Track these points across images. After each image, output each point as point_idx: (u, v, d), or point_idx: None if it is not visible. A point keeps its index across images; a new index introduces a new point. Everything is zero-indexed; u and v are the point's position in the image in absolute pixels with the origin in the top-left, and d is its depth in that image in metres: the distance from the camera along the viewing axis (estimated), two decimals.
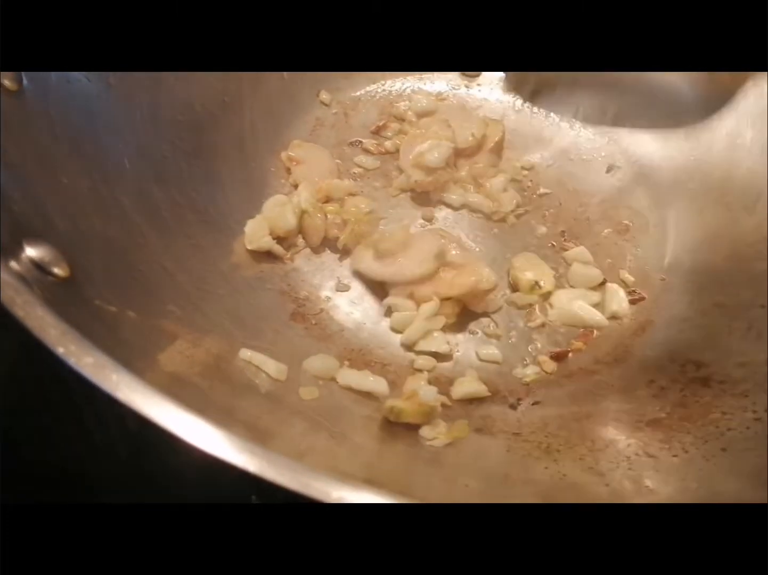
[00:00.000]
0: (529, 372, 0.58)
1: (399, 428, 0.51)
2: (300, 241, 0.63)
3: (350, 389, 0.53)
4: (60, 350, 0.34)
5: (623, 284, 0.63)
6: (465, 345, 0.59)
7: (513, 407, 0.55)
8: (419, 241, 0.60)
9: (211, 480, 0.50)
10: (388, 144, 0.70)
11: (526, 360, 0.59)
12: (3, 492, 0.49)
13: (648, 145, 0.70)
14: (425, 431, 0.50)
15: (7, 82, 0.47)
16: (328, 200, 0.64)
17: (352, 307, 0.60)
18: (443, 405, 0.53)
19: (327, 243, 0.63)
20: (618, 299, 0.61)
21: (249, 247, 0.60)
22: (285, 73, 0.70)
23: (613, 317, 0.61)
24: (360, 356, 0.57)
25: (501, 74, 0.76)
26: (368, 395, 0.53)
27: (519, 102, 0.75)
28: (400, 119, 0.72)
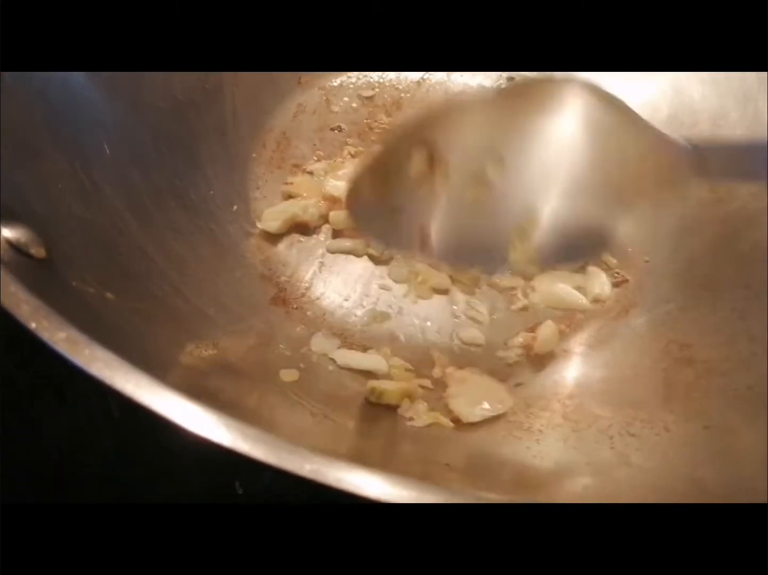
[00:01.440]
0: (512, 354, 0.58)
1: (380, 408, 0.51)
2: None
3: (349, 368, 0.54)
4: (32, 325, 0.34)
5: (606, 266, 0.63)
6: (447, 329, 0.59)
7: None
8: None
9: (197, 472, 0.51)
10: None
11: (508, 343, 0.59)
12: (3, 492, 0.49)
13: None
14: (404, 409, 0.51)
15: None
16: None
17: (334, 292, 0.60)
18: (424, 387, 0.54)
19: (307, 229, 0.63)
20: (600, 282, 0.61)
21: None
22: None
23: (596, 300, 0.61)
24: (342, 339, 0.57)
25: None
26: (365, 374, 0.54)
27: (501, 86, 0.75)
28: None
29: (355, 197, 0.49)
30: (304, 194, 0.64)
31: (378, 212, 0.49)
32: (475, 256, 0.50)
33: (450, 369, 0.56)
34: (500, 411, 0.53)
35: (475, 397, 0.53)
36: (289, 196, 0.64)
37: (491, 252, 0.49)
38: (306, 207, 0.61)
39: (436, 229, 0.49)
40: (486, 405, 0.53)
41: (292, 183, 0.65)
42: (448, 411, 0.52)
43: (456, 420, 0.52)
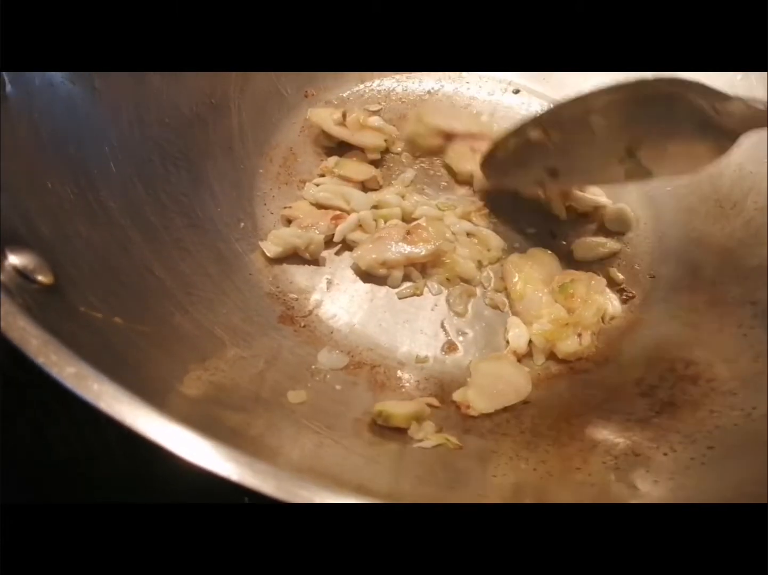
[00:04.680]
0: None
1: (388, 430, 0.51)
2: None
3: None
4: (41, 360, 0.34)
5: (613, 282, 0.63)
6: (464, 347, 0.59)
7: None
8: None
9: (204, 480, 0.51)
10: None
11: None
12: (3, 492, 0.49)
13: None
14: (414, 431, 0.51)
15: None
16: None
17: (341, 309, 0.60)
18: (432, 406, 0.54)
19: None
20: (612, 303, 0.61)
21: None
22: (272, 74, 0.70)
23: (611, 319, 0.61)
24: (350, 358, 0.57)
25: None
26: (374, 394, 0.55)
27: (507, 99, 0.75)
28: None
29: (488, 159, 0.65)
30: (300, 216, 0.63)
31: (508, 166, 0.65)
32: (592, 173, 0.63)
33: (474, 360, 0.58)
34: (513, 402, 0.54)
35: (493, 388, 0.55)
36: (288, 221, 0.64)
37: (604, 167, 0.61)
38: (309, 242, 0.61)
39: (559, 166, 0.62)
40: (501, 397, 0.54)
41: (291, 207, 0.64)
42: (460, 418, 0.53)
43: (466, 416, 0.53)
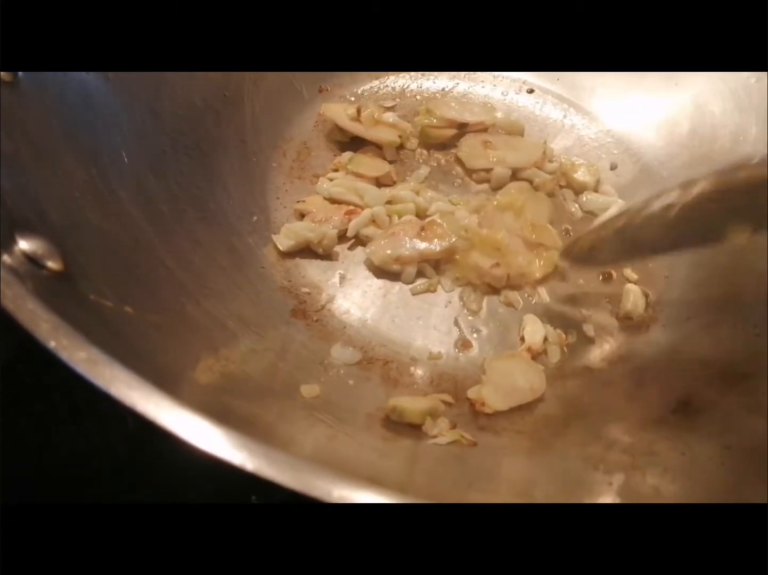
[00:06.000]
0: None
1: (402, 426, 0.50)
2: None
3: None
4: (52, 344, 0.33)
5: (627, 281, 0.62)
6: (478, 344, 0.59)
7: None
8: None
9: (210, 480, 0.50)
10: None
11: None
12: (3, 492, 0.48)
13: (652, 142, 0.70)
14: (429, 427, 0.50)
15: (2, 73, 0.46)
16: None
17: (354, 304, 0.59)
18: (446, 403, 0.53)
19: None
20: (633, 300, 0.60)
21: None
22: None
23: (627, 317, 0.60)
24: (363, 353, 0.56)
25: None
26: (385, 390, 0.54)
27: (522, 99, 0.75)
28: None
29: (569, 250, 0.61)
30: (314, 210, 0.63)
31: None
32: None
33: (488, 358, 0.57)
34: (528, 399, 0.54)
35: (507, 386, 0.54)
36: (301, 215, 0.63)
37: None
38: (322, 237, 0.60)
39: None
40: (516, 394, 0.54)
41: (304, 201, 0.64)
42: (474, 415, 0.53)
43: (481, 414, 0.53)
